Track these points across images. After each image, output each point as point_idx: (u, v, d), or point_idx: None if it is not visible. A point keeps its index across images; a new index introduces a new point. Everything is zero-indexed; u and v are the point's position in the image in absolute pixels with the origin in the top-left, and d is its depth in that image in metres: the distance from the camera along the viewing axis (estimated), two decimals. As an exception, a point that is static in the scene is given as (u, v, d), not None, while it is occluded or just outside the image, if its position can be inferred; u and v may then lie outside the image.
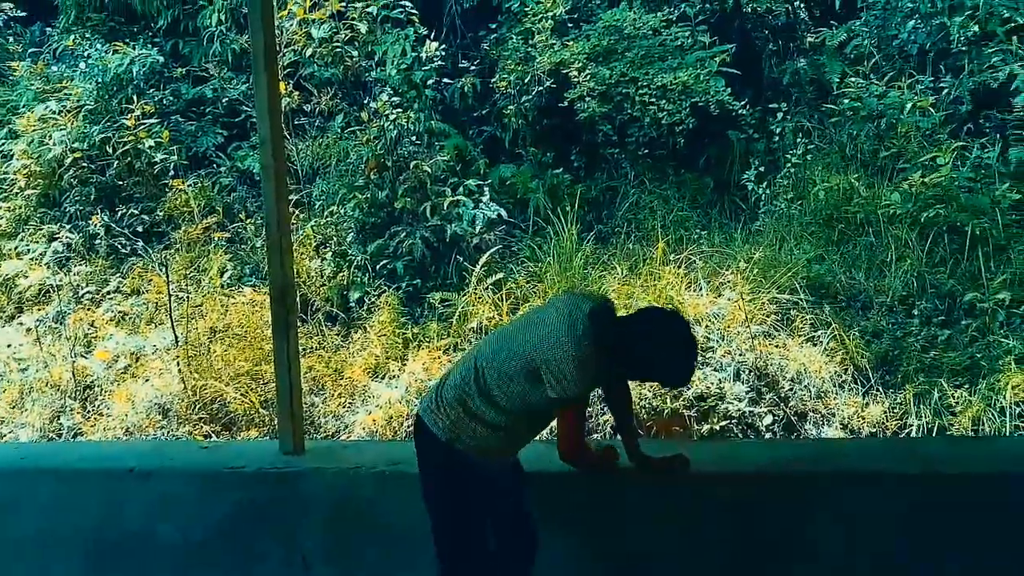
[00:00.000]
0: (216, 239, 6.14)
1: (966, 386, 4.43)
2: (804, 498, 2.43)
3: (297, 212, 6.24)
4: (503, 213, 6.06)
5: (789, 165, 6.22)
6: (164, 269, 5.60)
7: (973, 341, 4.71)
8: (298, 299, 5.29)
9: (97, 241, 6.33)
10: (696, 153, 6.66)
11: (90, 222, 6.37)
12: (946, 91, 6.17)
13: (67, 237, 6.32)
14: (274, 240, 2.72)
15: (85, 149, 6.55)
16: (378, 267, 5.83)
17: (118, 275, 6.14)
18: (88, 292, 6.02)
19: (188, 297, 5.55)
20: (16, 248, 6.39)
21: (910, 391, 4.49)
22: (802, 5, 7.06)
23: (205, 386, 4.88)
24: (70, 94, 6.84)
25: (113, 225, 6.35)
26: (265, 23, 2.65)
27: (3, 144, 6.89)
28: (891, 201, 5.50)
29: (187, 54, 7.30)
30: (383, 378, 5.06)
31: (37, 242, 6.40)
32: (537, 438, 2.28)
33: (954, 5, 6.17)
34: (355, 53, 6.61)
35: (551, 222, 6.00)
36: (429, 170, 6.00)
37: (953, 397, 4.38)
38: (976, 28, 6.03)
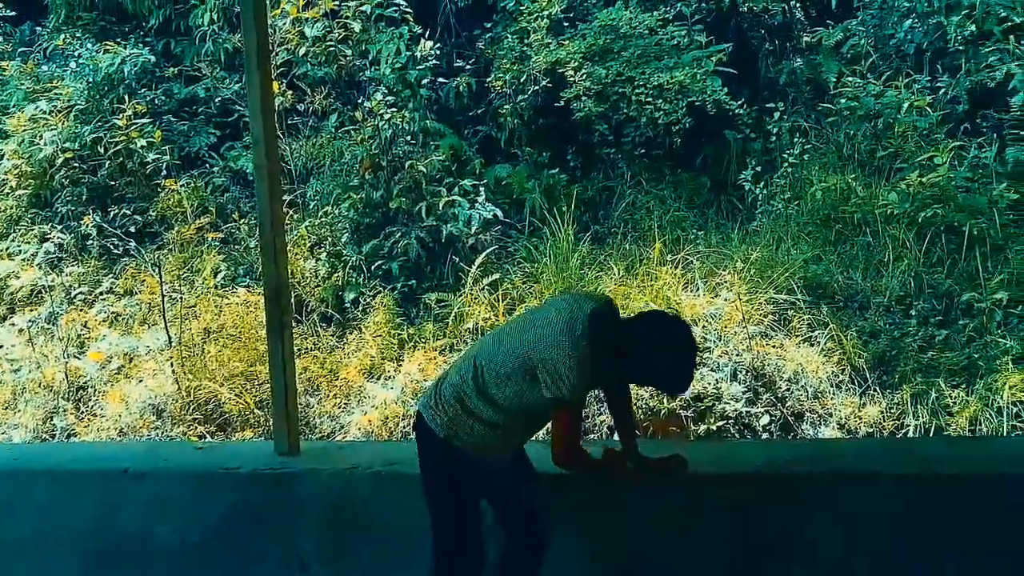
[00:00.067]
0: (209, 239, 6.10)
1: (963, 386, 4.43)
2: (802, 498, 2.43)
3: (291, 212, 6.21)
4: (499, 213, 6.04)
5: (786, 165, 6.22)
6: (157, 270, 5.57)
7: (970, 341, 4.71)
8: (292, 300, 5.25)
9: (89, 241, 6.29)
10: (693, 153, 6.65)
11: (82, 222, 6.33)
12: (943, 90, 6.17)
13: (59, 237, 6.29)
14: (268, 240, 2.70)
15: (76, 149, 6.51)
16: (373, 268, 5.80)
17: (111, 276, 6.10)
18: (80, 293, 5.98)
19: (181, 298, 5.53)
20: (7, 249, 6.35)
21: (907, 391, 4.49)
22: (798, 5, 7.06)
23: (199, 387, 4.85)
24: (61, 94, 6.80)
25: (105, 225, 6.31)
26: (258, 22, 2.63)
27: (-7, 144, 6.84)
28: (888, 201, 5.50)
29: (179, 53, 7.27)
30: (379, 379, 5.04)
31: (28, 242, 6.37)
32: (535, 439, 2.27)
33: (951, 4, 6.17)
34: (349, 52, 6.58)
35: (547, 222, 5.98)
36: (424, 170, 5.97)
37: (950, 397, 4.38)
38: (973, 27, 6.03)
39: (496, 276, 5.60)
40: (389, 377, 5.01)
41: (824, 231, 5.71)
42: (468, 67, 7.05)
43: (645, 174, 6.58)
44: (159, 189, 6.47)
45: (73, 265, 6.17)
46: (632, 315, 2.19)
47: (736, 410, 4.47)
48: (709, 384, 4.54)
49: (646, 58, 6.60)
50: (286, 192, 6.17)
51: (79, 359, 5.35)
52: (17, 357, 5.39)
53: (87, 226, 6.29)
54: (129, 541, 2.63)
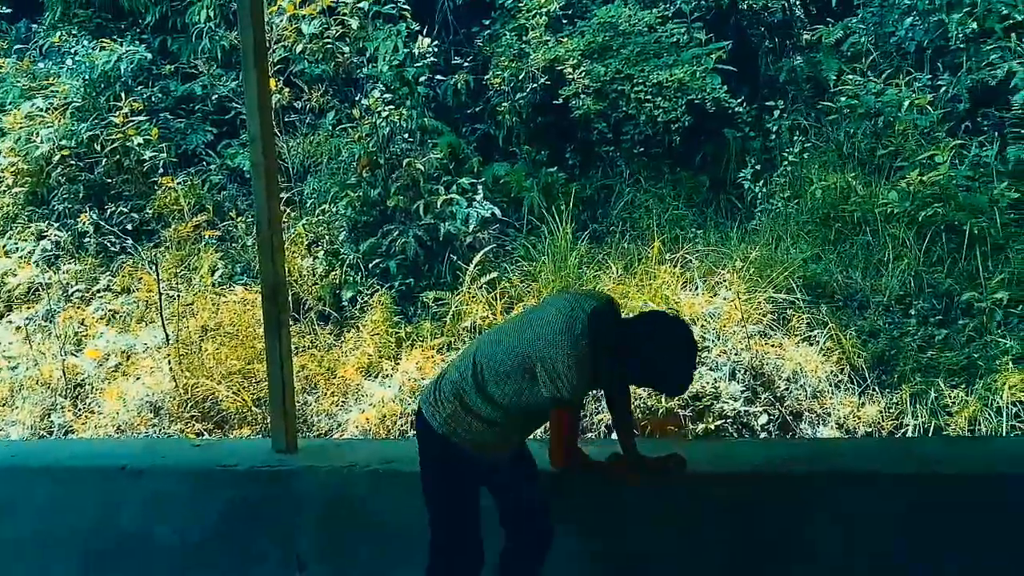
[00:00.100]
0: (207, 237, 6.09)
1: (963, 386, 4.42)
2: (801, 498, 2.42)
3: (288, 210, 6.19)
4: (497, 212, 6.02)
5: (786, 163, 6.20)
6: (154, 267, 5.55)
7: (970, 341, 4.70)
8: (290, 298, 5.25)
9: (86, 239, 6.28)
10: (692, 151, 6.63)
11: (79, 220, 6.31)
12: (944, 89, 6.15)
13: (56, 235, 6.27)
14: (265, 238, 2.69)
15: (73, 147, 6.49)
16: (371, 266, 5.78)
17: (108, 273, 6.09)
18: (78, 290, 5.98)
19: (179, 295, 5.52)
20: (4, 246, 6.33)
21: (906, 391, 4.48)
22: (798, 2, 7.03)
23: (197, 384, 4.85)
24: (57, 91, 6.78)
25: (102, 223, 6.29)
26: (254, 19, 2.61)
27: (-10, 141, 6.81)
28: (888, 200, 5.48)
29: (175, 51, 7.24)
30: (376, 377, 5.03)
31: (25, 240, 6.35)
32: (534, 438, 2.27)
33: (952, 2, 6.15)
34: (346, 49, 6.55)
35: (545, 221, 5.96)
36: (422, 168, 5.95)
37: (949, 397, 4.37)
38: (974, 25, 6.01)
39: (494, 275, 5.58)
40: (387, 375, 5.00)
41: (824, 230, 5.70)
42: (466, 64, 7.01)
43: (644, 172, 6.55)
44: (156, 187, 6.45)
45: (70, 263, 6.16)
46: (633, 315, 2.17)
47: (734, 409, 4.46)
48: (707, 383, 4.53)
49: (645, 56, 6.58)
50: (283, 190, 6.15)
51: (76, 356, 5.35)
52: (14, 354, 5.40)
53: (84, 224, 6.28)
54: (127, 538, 2.63)
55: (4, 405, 5.06)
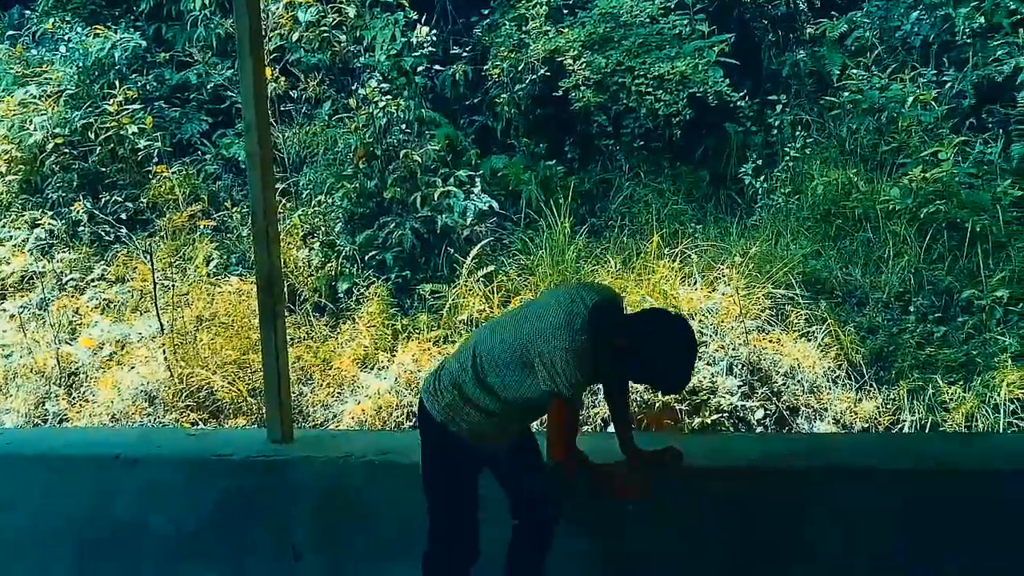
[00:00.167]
0: (202, 227, 6.05)
1: (961, 383, 4.41)
2: (799, 494, 2.41)
3: (284, 201, 6.15)
4: (494, 205, 5.99)
5: (787, 159, 6.16)
6: (149, 257, 5.52)
7: (969, 338, 4.70)
8: (285, 289, 5.23)
9: (80, 228, 6.24)
10: (692, 145, 6.59)
11: (73, 209, 6.26)
12: (949, 85, 6.11)
13: (49, 224, 6.22)
14: (260, 228, 2.68)
15: (67, 135, 6.44)
16: (367, 258, 5.75)
17: (102, 262, 6.06)
18: (72, 279, 5.94)
19: (173, 285, 5.48)
20: (-2, 234, 6.28)
21: (904, 387, 4.47)
22: (802, -5, 6.97)
23: (192, 374, 4.83)
24: (50, 78, 6.72)
25: (96, 212, 6.25)
26: (250, 6, 2.59)
27: (-18, 128, 6.75)
28: (890, 196, 5.46)
29: (170, 38, 7.16)
30: (372, 369, 5.01)
31: (19, 228, 6.31)
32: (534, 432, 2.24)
33: (959, -4, 6.10)
34: (343, 38, 6.49)
35: (543, 215, 5.93)
36: (419, 160, 5.91)
37: (947, 394, 4.36)
38: (982, 20, 5.96)
39: (491, 268, 5.56)
40: (383, 367, 4.98)
41: (824, 226, 5.68)
42: (464, 55, 6.95)
43: (644, 167, 6.51)
44: (150, 176, 6.40)
45: (64, 251, 6.12)
46: (634, 312, 2.15)
47: (731, 404, 4.45)
48: (704, 378, 4.51)
49: (647, 47, 6.52)
50: (279, 180, 6.10)
51: (71, 345, 5.32)
52: (8, 343, 5.38)
53: (78, 212, 6.23)
54: (121, 527, 2.64)
55: (-2, 393, 5.04)
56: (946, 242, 5.25)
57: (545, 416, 2.10)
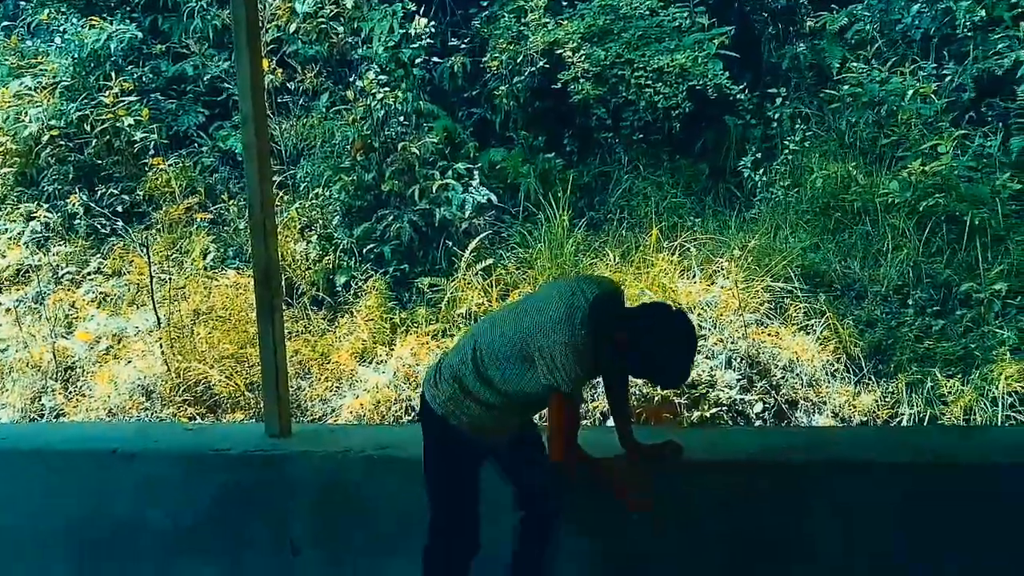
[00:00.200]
0: (198, 220, 6.02)
1: (959, 376, 4.42)
2: (798, 487, 2.41)
3: (281, 194, 6.11)
4: (493, 198, 5.96)
5: (786, 152, 6.15)
6: (145, 250, 5.49)
7: (967, 331, 4.70)
8: (283, 282, 5.21)
9: (76, 221, 6.20)
10: (692, 138, 6.56)
11: (68, 201, 6.22)
12: (949, 78, 6.09)
13: (45, 216, 6.18)
14: (257, 221, 2.65)
15: (62, 127, 6.39)
16: (365, 251, 5.73)
17: (98, 256, 6.02)
18: (68, 272, 5.91)
19: (170, 279, 5.46)
20: (-7, 227, 6.25)
21: (902, 380, 4.47)
22: (803, -12, 6.93)
23: (189, 368, 4.81)
24: (46, 70, 6.67)
25: (92, 205, 6.21)
26: (247, -5, 2.55)
27: (-23, 120, 6.70)
28: (889, 189, 5.45)
29: (167, 30, 7.10)
30: (370, 363, 4.99)
31: (15, 221, 6.27)
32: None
33: (960, -11, 6.07)
34: (341, 29, 6.44)
35: (542, 208, 5.91)
36: (417, 152, 5.88)
37: (946, 387, 4.37)
38: (983, 13, 5.93)
39: (490, 261, 5.54)
40: (381, 361, 4.97)
41: (823, 219, 5.67)
42: (463, 46, 6.90)
43: (643, 160, 6.49)
44: (147, 168, 6.36)
45: (60, 244, 6.09)
46: (635, 306, 2.13)
47: (730, 397, 4.45)
48: (703, 371, 4.51)
49: (646, 40, 6.49)
50: (276, 173, 6.07)
51: (67, 339, 5.30)
52: (4, 337, 5.35)
53: (74, 205, 6.19)
54: (119, 522, 2.62)
55: (-6, 387, 5.02)
56: (945, 235, 5.25)
57: (546, 410, 2.09)
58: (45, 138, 6.35)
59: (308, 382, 4.89)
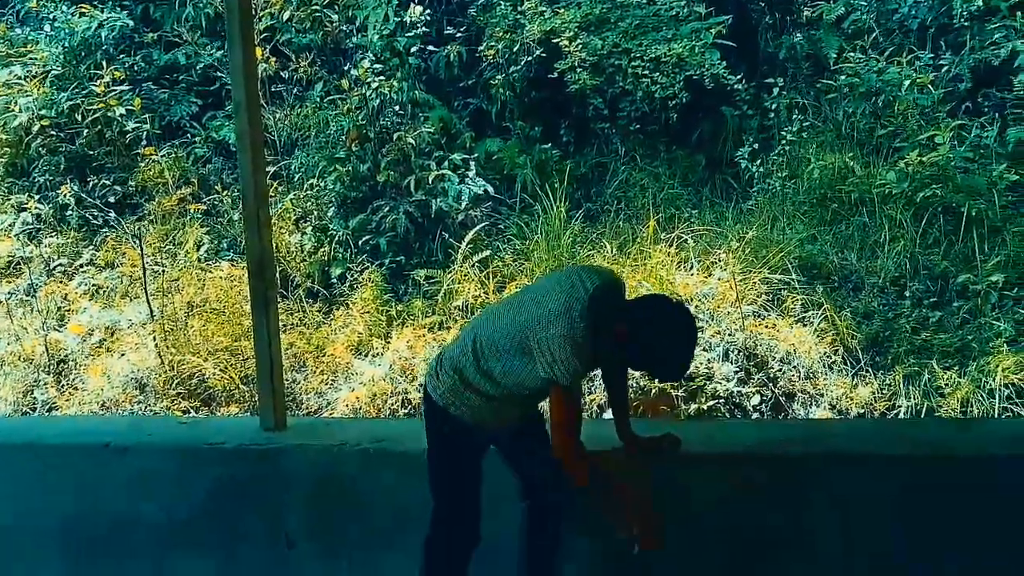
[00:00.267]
0: (192, 211, 5.96)
1: (956, 368, 4.42)
2: (795, 479, 2.41)
3: (275, 185, 6.06)
4: (489, 189, 5.92)
5: (784, 143, 6.12)
6: (138, 242, 5.44)
7: (964, 323, 4.70)
8: (277, 274, 5.17)
9: (68, 212, 6.14)
10: (689, 129, 6.53)
11: (60, 192, 6.15)
12: (946, 68, 6.06)
13: (36, 208, 6.12)
14: (251, 211, 2.63)
15: (53, 116, 6.32)
16: (360, 243, 5.68)
17: (91, 247, 5.97)
18: (60, 264, 5.86)
19: (164, 271, 5.41)
20: (-17, 219, 6.18)
21: (900, 372, 4.47)
22: (800, -24, 6.88)
23: (183, 361, 4.78)
24: (36, 59, 6.58)
25: (84, 196, 6.15)
26: (239, -19, 2.50)
27: (-35, 110, 6.61)
28: (886, 180, 5.43)
29: (158, 18, 7.01)
30: (366, 355, 4.97)
31: (5, 212, 6.21)
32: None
33: (958, -22, 6.04)
34: (335, 17, 6.37)
35: (539, 199, 5.87)
36: (413, 142, 5.82)
37: (943, 379, 4.37)
38: (980, 3, 5.90)
39: (486, 253, 5.50)
40: (377, 354, 4.94)
41: (820, 211, 5.65)
42: (459, 35, 6.83)
43: (640, 150, 6.46)
44: (139, 159, 6.30)
45: (52, 236, 6.03)
46: (635, 298, 2.11)
47: (727, 390, 4.44)
48: (701, 364, 4.50)
49: (644, 29, 6.44)
50: (270, 163, 6.02)
51: (59, 332, 5.25)
52: (-5, 329, 5.29)
53: (65, 196, 6.12)
54: (112, 515, 2.61)
55: (-14, 380, 4.97)
56: (942, 226, 5.24)
57: (546, 401, 2.08)
58: (35, 128, 6.28)
59: (303, 375, 4.86)
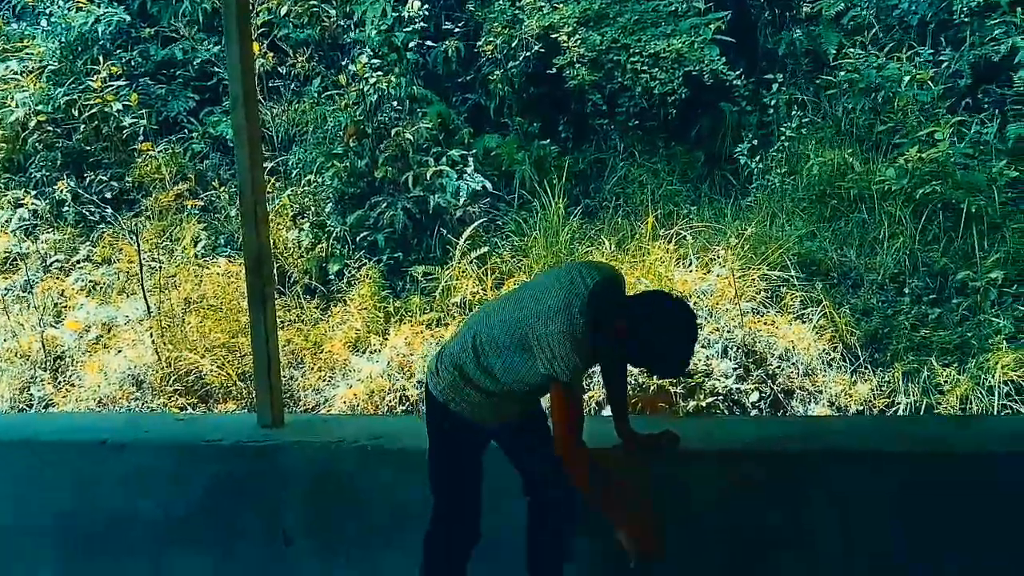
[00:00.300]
0: (189, 207, 5.94)
1: (955, 365, 4.41)
2: (794, 476, 2.40)
3: (273, 180, 6.05)
4: (488, 185, 5.90)
5: (783, 139, 6.10)
6: (135, 238, 5.42)
7: (964, 320, 4.68)
8: (275, 270, 5.15)
9: (65, 208, 6.12)
10: (688, 125, 6.51)
11: (56, 188, 6.13)
12: (945, 64, 6.04)
13: (33, 203, 6.10)
14: (248, 207, 2.61)
15: (50, 112, 6.30)
16: (358, 239, 5.67)
17: (88, 243, 5.96)
18: (57, 260, 5.84)
19: (161, 267, 5.39)
20: (-20, 215, 6.16)
21: (899, 369, 4.46)
22: (799, -28, 6.85)
23: (180, 358, 4.76)
24: (32, 54, 6.56)
25: (81, 192, 6.12)
26: (236, -26, 2.48)
27: (-38, 105, 6.59)
28: (886, 177, 5.41)
29: (155, 13, 6.98)
30: (364, 352, 4.95)
31: (2, 208, 6.20)
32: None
33: (957, -27, 6.02)
34: (332, 12, 6.34)
35: (537, 195, 5.85)
36: (411, 138, 5.80)
37: (942, 376, 4.36)
38: (980, -2, 5.89)
39: (484, 249, 5.49)
40: (375, 351, 4.93)
41: (819, 207, 5.63)
42: (457, 30, 6.80)
43: (638, 146, 6.44)
44: (136, 155, 6.27)
45: (49, 232, 6.01)
46: (635, 294, 2.10)
47: (726, 387, 4.43)
48: (699, 361, 4.49)
49: (642, 24, 6.42)
50: (267, 159, 6.00)
51: (56, 328, 5.24)
52: (-8, 326, 5.28)
53: (62, 192, 6.10)
54: (109, 512, 2.61)
55: (-18, 377, 4.96)
56: (941, 223, 5.22)
57: (547, 397, 2.07)
58: (32, 123, 6.26)
59: (301, 372, 4.85)
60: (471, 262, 5.36)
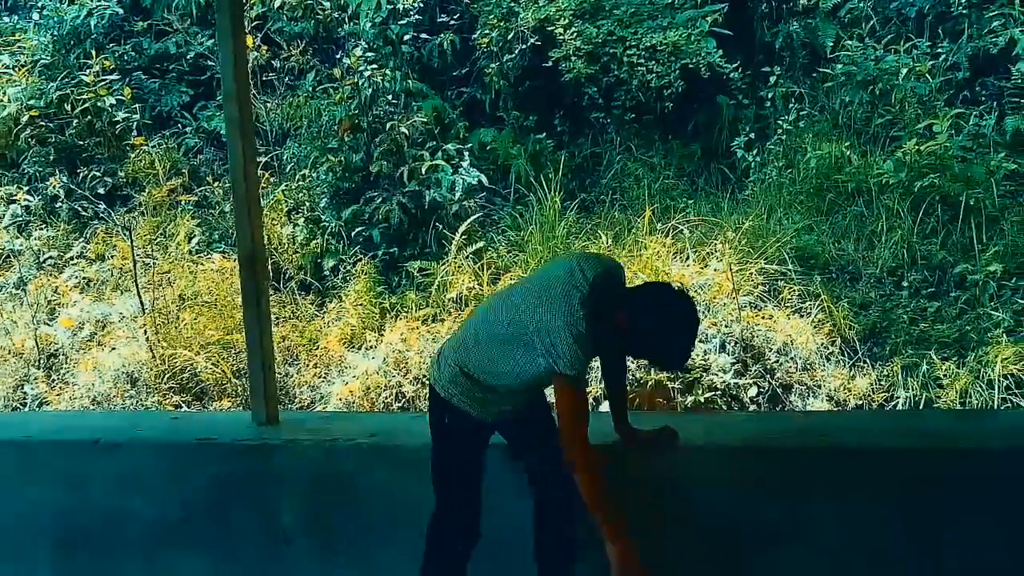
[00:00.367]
0: (183, 203, 5.90)
1: (954, 359, 4.40)
2: (793, 471, 2.38)
3: (267, 175, 6.00)
4: (483, 179, 5.87)
5: (780, 132, 6.08)
6: (129, 234, 5.37)
7: (962, 313, 4.68)
8: (269, 266, 5.12)
9: (58, 204, 6.07)
10: (684, 118, 6.48)
11: (49, 184, 6.08)
12: (943, 56, 6.01)
13: (25, 199, 6.05)
14: (241, 200, 2.57)
15: (42, 107, 6.25)
16: (353, 234, 5.64)
17: (81, 240, 5.91)
18: (50, 257, 5.79)
19: (155, 263, 5.35)
20: (-29, 211, 6.10)
21: (898, 363, 4.45)
22: (796, -35, 6.81)
23: (174, 355, 4.73)
24: (24, 48, 6.50)
25: (74, 187, 6.07)
26: (229, -32, 2.44)
27: (-47, 99, 6.52)
28: (884, 170, 5.40)
29: (148, 6, 6.92)
30: (360, 348, 4.93)
31: (-6, 204, 6.13)
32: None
33: (955, -35, 5.99)
34: (327, 5, 6.28)
35: (533, 189, 5.83)
36: (406, 132, 5.76)
37: (941, 370, 4.35)
38: (978, -10, 5.88)
39: (480, 244, 5.47)
40: (371, 347, 4.90)
41: (817, 200, 5.62)
42: (452, 23, 6.76)
43: (635, 140, 6.41)
44: (129, 149, 6.22)
45: (41, 228, 5.96)
46: (635, 286, 2.07)
47: (724, 382, 4.42)
48: (697, 355, 4.48)
49: (639, 17, 6.37)
50: (261, 154, 5.95)
51: (50, 326, 5.20)
52: (-16, 323, 5.24)
53: (55, 187, 6.05)
54: (103, 512, 2.58)
55: (-25, 376, 4.92)
56: (939, 216, 5.21)
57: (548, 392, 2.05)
58: (24, 118, 6.22)
59: (296, 368, 4.82)
60: (467, 257, 5.34)
